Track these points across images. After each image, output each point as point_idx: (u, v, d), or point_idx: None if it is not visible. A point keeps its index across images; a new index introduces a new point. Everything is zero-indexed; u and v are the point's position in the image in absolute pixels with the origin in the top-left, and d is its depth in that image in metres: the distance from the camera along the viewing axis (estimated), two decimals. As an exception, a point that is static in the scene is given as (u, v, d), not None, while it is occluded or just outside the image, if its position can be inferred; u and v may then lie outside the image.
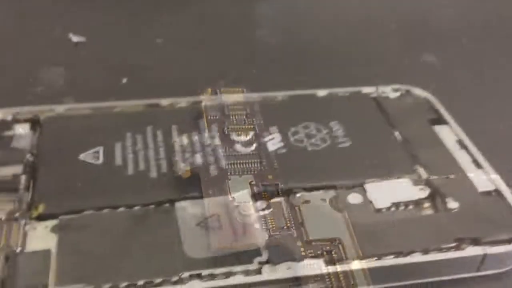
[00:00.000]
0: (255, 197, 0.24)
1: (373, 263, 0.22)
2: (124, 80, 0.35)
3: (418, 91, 0.32)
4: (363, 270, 0.22)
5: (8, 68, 0.35)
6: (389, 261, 0.22)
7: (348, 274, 0.22)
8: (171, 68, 0.36)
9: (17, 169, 0.25)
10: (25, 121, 0.28)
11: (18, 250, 0.21)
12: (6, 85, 0.33)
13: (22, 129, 0.27)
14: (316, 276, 0.22)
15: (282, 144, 0.27)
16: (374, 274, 0.22)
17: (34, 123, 0.28)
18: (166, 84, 0.34)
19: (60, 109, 0.29)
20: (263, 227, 0.23)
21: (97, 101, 0.30)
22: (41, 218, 0.23)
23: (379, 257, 0.22)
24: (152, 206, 0.24)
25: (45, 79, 0.34)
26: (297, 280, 0.22)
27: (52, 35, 0.38)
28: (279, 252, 0.22)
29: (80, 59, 0.36)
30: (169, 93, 0.32)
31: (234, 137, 0.28)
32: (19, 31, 0.39)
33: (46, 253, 0.21)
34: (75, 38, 0.38)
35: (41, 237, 0.22)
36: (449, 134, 0.29)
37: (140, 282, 0.20)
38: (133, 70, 0.36)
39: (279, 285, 0.21)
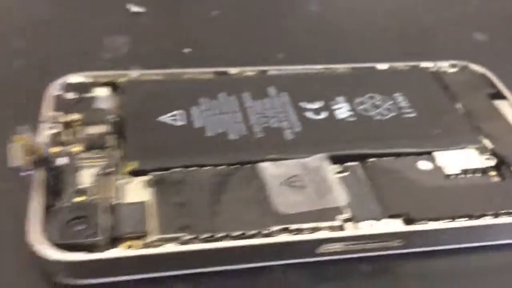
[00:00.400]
0: (331, 160, 0.25)
1: (445, 224, 0.23)
2: (186, 50, 0.36)
3: (476, 67, 0.33)
4: (436, 230, 0.23)
5: (76, 37, 0.36)
6: (462, 223, 0.24)
7: (423, 234, 0.23)
8: (229, 39, 0.38)
9: (103, 128, 0.26)
10: (104, 84, 0.29)
11: (117, 201, 0.23)
12: (76, 52, 0.34)
13: (102, 92, 0.29)
14: (394, 233, 0.23)
15: (350, 113, 0.29)
16: (447, 235, 0.24)
17: (112, 86, 0.29)
18: (226, 54, 0.36)
19: (134, 74, 0.30)
20: (342, 188, 0.24)
21: (163, 68, 0.31)
22: (133, 174, 0.24)
23: (452, 219, 0.24)
24: (235, 165, 0.25)
25: (110, 47, 0.35)
26: (376, 237, 0.23)
27: (113, 5, 0.39)
28: (360, 211, 0.23)
29: (141, 29, 0.37)
30: (230, 63, 0.33)
31: (304, 104, 0.29)
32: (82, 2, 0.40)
33: (142, 204, 0.22)
34: (134, 8, 0.39)
35: (135, 191, 0.23)
36: (508, 108, 0.30)
37: (235, 234, 0.22)
38: (194, 41, 0.37)
39: (360, 240, 0.23)
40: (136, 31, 0.37)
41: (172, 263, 0.22)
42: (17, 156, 0.21)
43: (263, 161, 0.25)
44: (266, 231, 0.22)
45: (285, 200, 0.23)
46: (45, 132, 0.25)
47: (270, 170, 0.25)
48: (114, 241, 0.21)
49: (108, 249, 0.21)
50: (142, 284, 0.21)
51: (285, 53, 0.36)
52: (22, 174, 0.21)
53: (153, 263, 0.21)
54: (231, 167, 0.25)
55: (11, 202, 0.24)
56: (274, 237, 0.22)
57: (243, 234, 0.22)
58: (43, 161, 0.22)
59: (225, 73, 0.31)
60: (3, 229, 0.23)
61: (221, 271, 0.22)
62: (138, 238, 0.21)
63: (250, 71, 0.31)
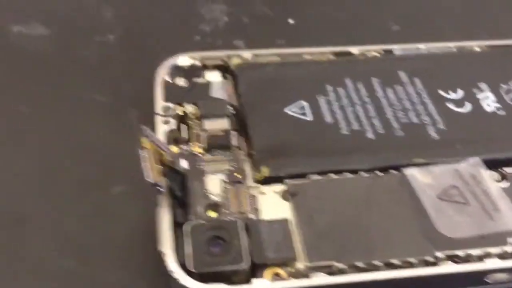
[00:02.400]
0: (487, 165, 0.22)
1: None
2: (291, 21, 0.32)
3: None
4: None
5: (171, 8, 0.32)
6: None
7: None
8: (333, 9, 0.33)
9: (224, 123, 0.23)
10: (215, 67, 0.26)
11: (252, 217, 0.20)
12: (172, 26, 0.31)
13: (214, 77, 0.25)
14: None
15: (497, 104, 0.25)
16: None
17: (222, 69, 0.26)
18: (332, 26, 0.32)
19: (247, 54, 0.26)
20: (509, 203, 0.21)
21: (268, 42, 0.28)
22: (263, 181, 0.21)
23: None
24: (378, 171, 0.21)
25: (208, 18, 0.32)
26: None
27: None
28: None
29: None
30: (338, 36, 0.30)
31: (443, 93, 0.25)
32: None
33: (285, 223, 0.19)
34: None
35: (272, 204, 0.20)
36: None
37: (395, 261, 0.19)
38: (298, 10, 0.33)
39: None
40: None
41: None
42: (151, 167, 0.18)
43: (408, 165, 0.22)
44: (431, 259, 0.19)
45: (447, 220, 0.20)
46: (161, 129, 0.22)
47: (419, 178, 0.21)
48: (255, 269, 0.18)
49: (249, 278, 0.18)
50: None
51: (400, 25, 0.32)
52: (161, 190, 0.19)
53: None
54: (376, 174, 0.21)
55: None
56: (441, 267, 0.19)
57: (405, 262, 0.19)
58: (170, 168, 0.20)
59: (347, 53, 0.27)
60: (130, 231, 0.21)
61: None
62: (282, 265, 0.19)
63: (373, 50, 0.28)
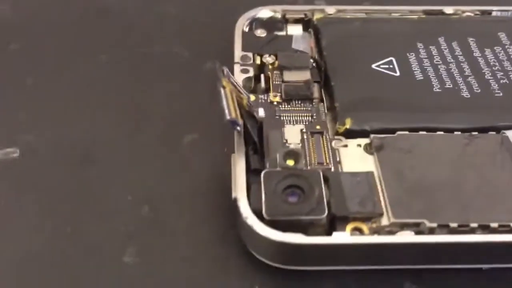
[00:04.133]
0: None
1: None
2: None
3: None
4: None
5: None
6: None
7: None
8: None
9: (305, 75, 0.21)
10: (296, 21, 0.24)
11: (333, 168, 0.18)
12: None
13: (296, 31, 0.24)
14: None
15: None
16: None
17: (304, 24, 0.24)
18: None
19: (330, 10, 0.25)
20: None
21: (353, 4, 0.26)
22: (347, 134, 0.19)
23: None
24: (475, 132, 0.19)
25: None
26: None
27: None
28: None
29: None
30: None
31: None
32: None
33: (370, 175, 0.18)
34: None
35: (355, 157, 0.19)
36: None
37: (494, 225, 0.17)
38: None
39: None
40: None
41: (404, 255, 0.17)
42: (229, 106, 0.17)
43: (508, 128, 0.19)
44: (533, 225, 0.17)
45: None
46: (239, 77, 0.21)
47: (521, 141, 0.19)
48: (334, 222, 0.17)
49: (329, 231, 0.17)
50: (359, 276, 0.17)
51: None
52: (237, 128, 0.17)
53: (381, 254, 0.17)
54: (473, 134, 0.19)
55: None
56: (543, 234, 0.17)
57: (505, 226, 0.17)
58: (247, 113, 0.18)
59: (440, 12, 0.25)
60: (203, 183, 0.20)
61: (461, 269, 0.17)
62: (364, 220, 0.17)
63: (469, 11, 0.25)
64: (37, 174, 0.20)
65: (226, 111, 0.17)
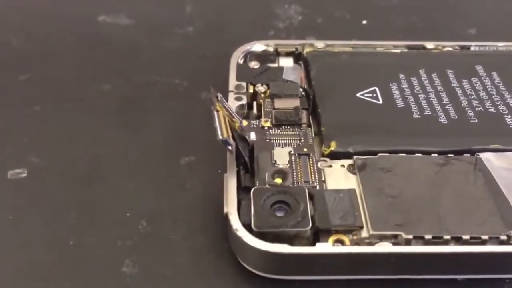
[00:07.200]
0: None
1: None
2: (364, 22, 0.32)
3: None
4: None
5: (247, 6, 0.33)
6: None
7: None
8: (409, 10, 0.33)
9: (294, 102, 0.23)
10: (288, 54, 0.26)
11: (317, 186, 0.20)
12: (248, 21, 0.32)
13: (287, 63, 0.26)
14: None
15: None
16: None
17: (295, 57, 0.26)
18: (409, 26, 0.32)
19: (320, 44, 0.27)
20: None
21: (341, 39, 0.28)
22: (331, 156, 0.21)
23: None
24: (451, 154, 0.21)
25: (283, 16, 0.32)
26: None
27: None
28: None
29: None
30: (413, 37, 0.29)
31: (522, 89, 0.24)
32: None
33: (352, 192, 0.19)
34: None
35: (339, 177, 0.20)
36: None
37: (465, 237, 0.18)
38: (373, 12, 0.33)
39: None
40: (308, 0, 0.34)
41: (383, 265, 0.18)
42: (222, 127, 0.18)
43: (484, 151, 0.21)
44: (504, 237, 0.18)
45: (525, 202, 0.19)
46: (233, 104, 0.23)
47: (494, 161, 0.21)
48: (317, 234, 0.18)
49: (313, 243, 0.18)
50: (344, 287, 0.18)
51: (477, 28, 0.32)
52: (229, 148, 0.19)
53: (361, 264, 0.18)
54: (448, 156, 0.21)
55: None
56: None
57: (476, 238, 0.18)
58: (239, 136, 0.20)
59: (421, 47, 0.27)
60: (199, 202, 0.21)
61: (434, 280, 0.19)
62: (346, 232, 0.18)
63: (449, 46, 0.27)
64: (43, 192, 0.21)
65: (219, 131, 0.18)
